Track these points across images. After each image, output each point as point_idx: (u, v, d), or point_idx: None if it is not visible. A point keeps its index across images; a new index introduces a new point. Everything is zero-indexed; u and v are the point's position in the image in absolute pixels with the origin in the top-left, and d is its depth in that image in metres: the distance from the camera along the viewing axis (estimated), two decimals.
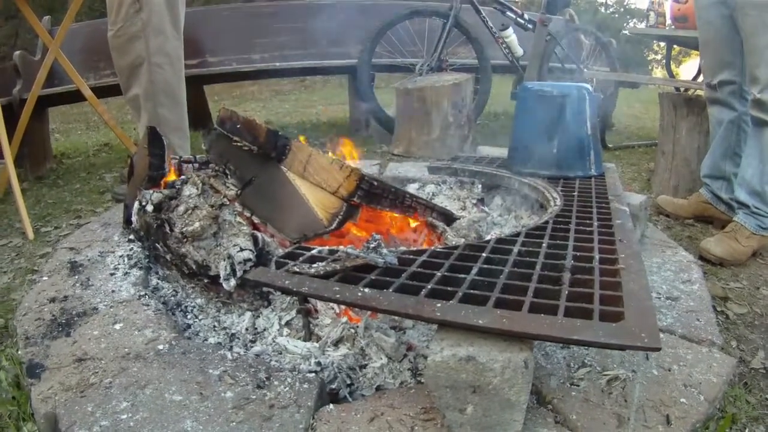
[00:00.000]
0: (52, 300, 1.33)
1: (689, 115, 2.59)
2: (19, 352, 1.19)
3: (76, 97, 3.22)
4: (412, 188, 2.20)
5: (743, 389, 1.21)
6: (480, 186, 1.94)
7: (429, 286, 0.84)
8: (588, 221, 1.22)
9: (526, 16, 3.99)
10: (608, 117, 4.42)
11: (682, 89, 3.28)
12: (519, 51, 3.97)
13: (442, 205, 1.76)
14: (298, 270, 0.93)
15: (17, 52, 3.51)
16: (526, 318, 0.73)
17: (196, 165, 1.71)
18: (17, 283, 1.85)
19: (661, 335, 1.11)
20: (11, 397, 1.14)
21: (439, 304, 0.78)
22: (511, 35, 3.92)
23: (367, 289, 0.85)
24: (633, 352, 1.02)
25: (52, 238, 2.27)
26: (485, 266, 0.93)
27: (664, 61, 4.53)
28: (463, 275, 0.88)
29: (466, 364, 0.71)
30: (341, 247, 1.00)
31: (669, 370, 0.99)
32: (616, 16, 14.27)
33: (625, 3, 14.92)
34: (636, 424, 0.81)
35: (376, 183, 1.12)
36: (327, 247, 1.05)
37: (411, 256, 0.98)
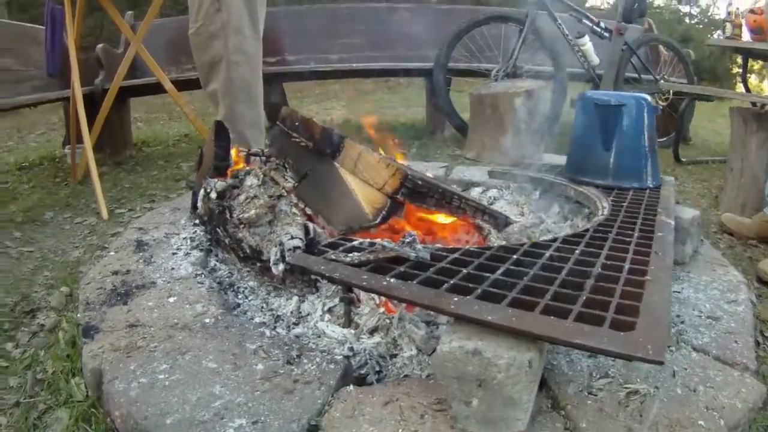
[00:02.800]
0: (115, 273, 1.47)
1: (759, 130, 2.53)
2: (78, 316, 1.34)
3: (157, 89, 3.43)
4: (475, 191, 2.24)
5: None
6: (538, 193, 1.96)
7: (452, 282, 0.89)
8: (629, 232, 1.24)
9: (602, 24, 3.94)
10: (684, 130, 4.29)
11: (759, 105, 3.15)
12: (595, 60, 3.92)
13: (500, 210, 1.80)
14: (334, 258, 1.00)
15: (100, 45, 3.80)
16: (535, 318, 0.77)
17: (263, 158, 1.82)
18: (87, 258, 2.06)
19: (694, 354, 1.11)
20: (66, 354, 1.30)
21: (456, 299, 0.82)
22: (587, 43, 3.88)
23: (392, 280, 0.91)
24: (661, 368, 1.02)
25: (125, 219, 2.47)
26: (513, 267, 0.97)
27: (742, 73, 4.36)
28: (488, 274, 0.93)
29: (472, 357, 0.75)
30: (378, 240, 1.06)
31: (694, 390, 0.98)
32: (701, 26, 13.67)
33: (709, 13, 14.26)
34: None
35: (420, 182, 1.17)
36: (368, 240, 1.12)
37: (444, 253, 1.03)
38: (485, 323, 0.76)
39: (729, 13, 4.03)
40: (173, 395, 0.92)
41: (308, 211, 1.34)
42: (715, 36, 4.35)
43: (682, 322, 1.27)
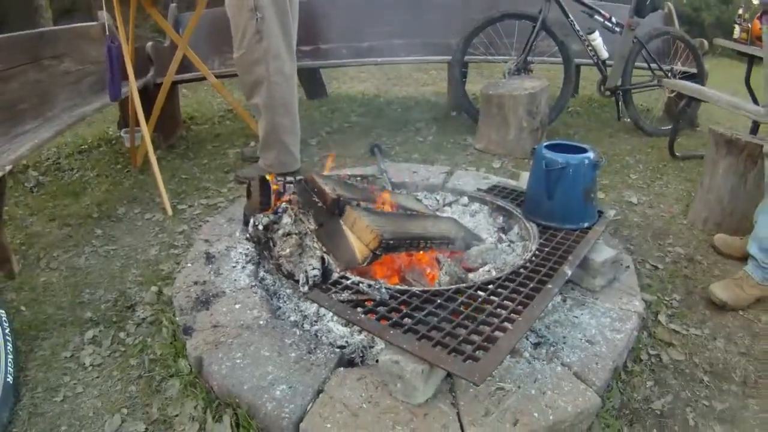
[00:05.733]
0: (195, 283, 2.37)
1: (728, 155, 3.10)
2: (177, 318, 2.21)
3: (203, 78, 4.32)
4: (462, 202, 3.07)
5: (625, 421, 1.87)
6: (501, 218, 2.80)
7: (394, 319, 1.78)
8: (529, 281, 2.03)
9: (614, 20, 4.63)
10: (689, 119, 4.99)
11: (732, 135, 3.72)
12: (604, 54, 4.66)
13: (477, 223, 2.66)
14: (333, 297, 1.91)
15: (150, 43, 4.62)
16: (428, 348, 1.64)
17: (295, 183, 2.70)
18: (163, 256, 2.92)
19: (559, 368, 1.84)
20: (170, 342, 2.19)
21: (392, 332, 1.71)
22: (597, 39, 4.61)
23: (362, 315, 1.81)
24: (529, 374, 1.83)
25: (187, 216, 3.35)
26: (434, 309, 1.84)
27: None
28: (417, 314, 1.81)
29: (395, 364, 1.64)
30: (362, 283, 1.95)
31: (543, 393, 1.72)
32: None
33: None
34: (494, 418, 1.67)
35: (392, 242, 2.04)
36: (358, 278, 2.01)
37: (398, 294, 1.92)
38: (402, 348, 1.66)
39: (739, 16, 4.63)
40: (246, 372, 1.85)
41: (324, 249, 2.23)
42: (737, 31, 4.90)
43: (565, 343, 1.98)
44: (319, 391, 1.77)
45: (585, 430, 1.76)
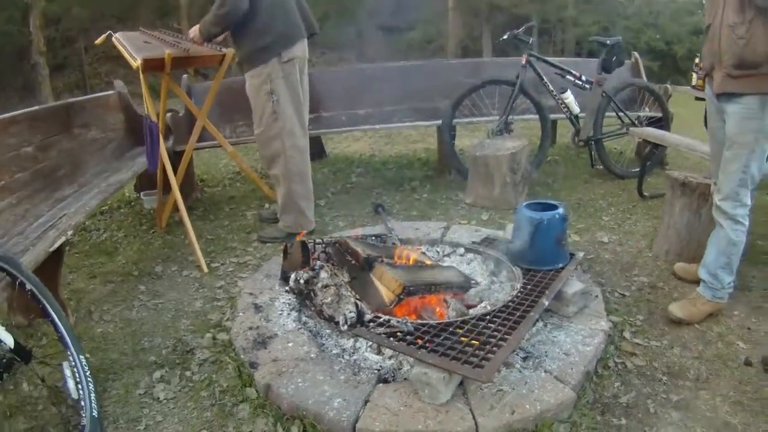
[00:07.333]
0: (250, 328, 3.15)
1: (682, 196, 3.91)
2: (242, 356, 2.93)
3: (218, 146, 5.13)
4: (459, 252, 3.92)
5: (597, 411, 2.50)
6: (492, 264, 3.64)
7: (419, 343, 2.59)
8: (516, 311, 2.85)
9: (583, 78, 5.56)
10: (658, 160, 5.87)
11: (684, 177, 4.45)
12: (576, 110, 5.60)
13: (473, 269, 3.49)
14: (371, 331, 2.72)
15: (168, 114, 5.38)
16: (447, 361, 2.45)
17: (323, 245, 3.52)
18: (208, 308, 3.57)
19: (543, 374, 2.56)
20: (236, 375, 2.89)
21: (420, 351, 2.52)
22: (569, 97, 5.55)
23: (395, 342, 2.62)
24: (521, 379, 2.64)
25: (221, 273, 4.04)
26: (447, 335, 2.66)
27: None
28: (435, 338, 2.62)
29: (424, 374, 2.44)
30: (392, 320, 2.76)
31: (532, 392, 2.51)
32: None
33: None
34: (497, 410, 2.45)
35: (412, 288, 2.86)
36: (389, 317, 2.82)
37: (419, 326, 2.73)
38: (428, 363, 2.47)
39: (696, 65, 5.57)
40: (308, 392, 2.63)
41: (357, 296, 3.04)
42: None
43: (546, 356, 2.70)
44: (367, 401, 2.55)
45: (566, 417, 2.54)
